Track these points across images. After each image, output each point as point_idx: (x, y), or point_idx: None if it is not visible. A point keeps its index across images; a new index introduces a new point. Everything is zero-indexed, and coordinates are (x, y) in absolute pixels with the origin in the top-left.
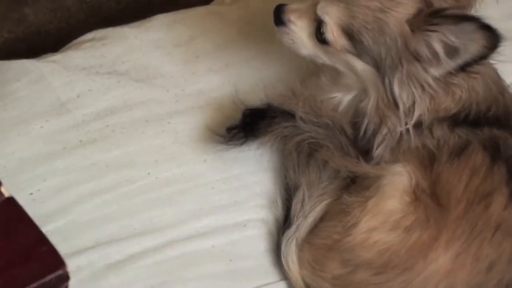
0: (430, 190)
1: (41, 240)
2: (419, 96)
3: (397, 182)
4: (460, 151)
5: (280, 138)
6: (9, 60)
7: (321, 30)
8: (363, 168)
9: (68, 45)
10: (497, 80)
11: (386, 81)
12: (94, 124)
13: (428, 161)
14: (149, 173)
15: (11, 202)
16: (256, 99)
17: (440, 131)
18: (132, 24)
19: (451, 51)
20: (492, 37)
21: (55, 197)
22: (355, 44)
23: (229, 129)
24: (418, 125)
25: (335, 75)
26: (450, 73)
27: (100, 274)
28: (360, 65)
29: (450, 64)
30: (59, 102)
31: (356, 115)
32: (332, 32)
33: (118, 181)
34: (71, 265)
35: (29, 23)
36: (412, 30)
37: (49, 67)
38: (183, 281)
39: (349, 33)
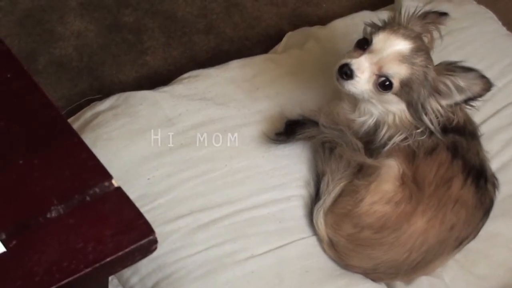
0: (412, 177)
1: (139, 216)
2: (433, 117)
3: (390, 171)
4: (431, 150)
5: (309, 137)
6: (136, 91)
7: (385, 82)
8: (367, 160)
9: (174, 80)
10: None
11: (413, 110)
12: (190, 133)
13: (411, 157)
14: (226, 165)
15: (119, 190)
16: (294, 114)
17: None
18: (215, 67)
19: (459, 89)
20: (488, 83)
21: (164, 181)
22: (404, 90)
23: (277, 134)
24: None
25: (355, 102)
26: (455, 104)
27: (193, 231)
28: (397, 101)
29: (458, 98)
30: (167, 118)
31: (371, 127)
32: (395, 83)
33: (206, 170)
34: (173, 226)
35: (149, 66)
36: (437, 75)
37: (161, 95)
38: (248, 236)
39: (404, 83)
